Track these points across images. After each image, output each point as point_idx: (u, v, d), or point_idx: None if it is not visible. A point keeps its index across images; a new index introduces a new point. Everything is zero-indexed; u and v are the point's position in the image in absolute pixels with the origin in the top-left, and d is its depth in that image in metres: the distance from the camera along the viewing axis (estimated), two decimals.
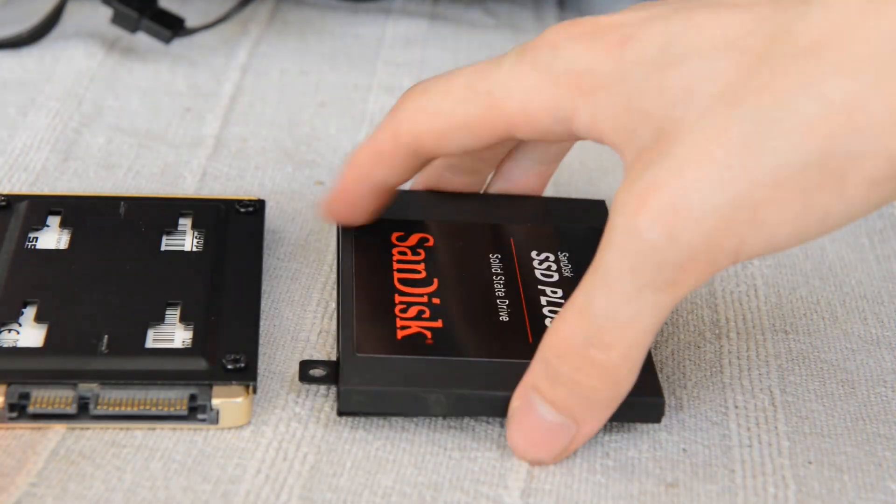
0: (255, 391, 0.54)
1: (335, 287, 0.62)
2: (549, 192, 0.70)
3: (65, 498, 0.50)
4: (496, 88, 0.54)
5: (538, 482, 0.52)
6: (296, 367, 0.57)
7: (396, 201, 0.62)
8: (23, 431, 0.53)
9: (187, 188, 0.69)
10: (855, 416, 0.57)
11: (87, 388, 0.53)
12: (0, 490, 0.50)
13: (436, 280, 0.59)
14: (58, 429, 0.53)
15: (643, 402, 0.53)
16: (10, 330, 0.56)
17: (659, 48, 0.50)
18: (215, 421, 0.54)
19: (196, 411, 0.54)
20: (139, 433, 0.53)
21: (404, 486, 0.52)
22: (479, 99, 0.54)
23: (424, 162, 0.57)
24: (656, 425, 0.55)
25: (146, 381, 0.53)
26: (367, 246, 0.61)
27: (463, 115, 0.55)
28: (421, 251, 0.61)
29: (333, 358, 0.58)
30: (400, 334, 0.56)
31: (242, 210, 0.64)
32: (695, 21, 0.49)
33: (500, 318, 0.57)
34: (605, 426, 0.55)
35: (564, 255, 0.61)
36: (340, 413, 0.54)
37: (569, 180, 0.72)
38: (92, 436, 0.53)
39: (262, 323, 0.60)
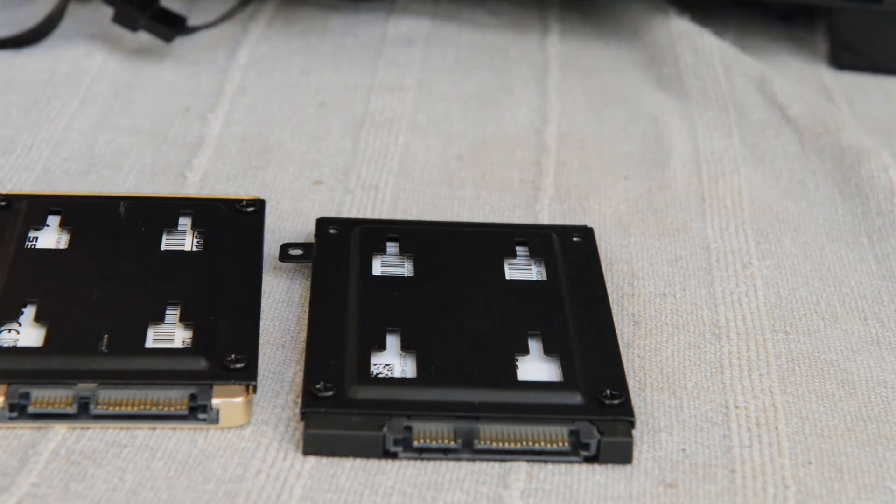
0: (255, 391, 0.54)
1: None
2: (549, 191, 0.70)
3: (66, 498, 0.50)
4: None
5: (538, 482, 0.52)
6: (296, 368, 0.57)
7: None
8: (24, 431, 0.53)
9: (187, 188, 0.69)
10: (855, 416, 0.57)
11: (87, 387, 0.53)
12: (1, 490, 0.50)
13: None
14: (59, 429, 0.53)
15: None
16: (10, 330, 0.56)
17: None
18: (215, 421, 0.54)
19: (196, 411, 0.54)
20: (140, 433, 0.53)
21: (405, 486, 0.52)
22: None
23: None
24: (657, 425, 0.55)
25: (146, 381, 0.53)
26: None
27: None
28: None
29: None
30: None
31: (242, 210, 0.64)
32: None
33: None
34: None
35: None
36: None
37: (569, 179, 0.72)
38: (93, 436, 0.53)
39: (262, 323, 0.60)
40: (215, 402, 0.53)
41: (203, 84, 0.79)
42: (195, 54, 0.82)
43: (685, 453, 0.54)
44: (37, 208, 0.63)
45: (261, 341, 0.58)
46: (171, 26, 0.80)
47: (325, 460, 0.53)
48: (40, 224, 0.62)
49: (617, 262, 0.65)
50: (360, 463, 0.53)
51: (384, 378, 0.55)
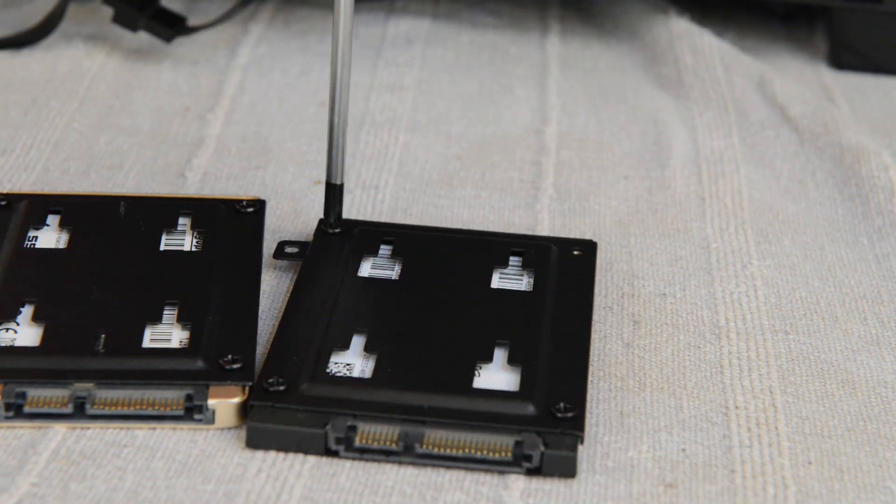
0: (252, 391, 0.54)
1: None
2: (549, 191, 0.70)
3: (66, 498, 0.50)
4: None
5: (538, 482, 0.52)
6: None
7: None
8: (24, 431, 0.53)
9: (187, 188, 0.69)
10: (855, 416, 0.57)
11: (83, 387, 0.53)
12: (1, 490, 0.50)
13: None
14: (59, 428, 0.53)
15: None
16: (7, 329, 0.56)
17: None
18: (211, 421, 0.54)
19: (192, 411, 0.53)
20: (140, 433, 0.53)
21: (404, 486, 0.52)
22: None
23: None
24: (657, 425, 0.55)
25: (142, 381, 0.53)
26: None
27: None
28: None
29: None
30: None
31: (242, 210, 0.64)
32: None
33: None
34: (601, 430, 0.55)
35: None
36: None
37: (569, 179, 0.72)
38: (93, 436, 0.53)
39: (260, 323, 0.60)
40: (211, 402, 0.53)
41: (203, 84, 0.79)
42: (195, 54, 0.82)
43: (685, 453, 0.54)
44: (36, 208, 0.63)
45: (259, 342, 0.58)
46: (171, 26, 0.80)
47: (325, 460, 0.53)
48: (40, 223, 0.62)
49: (617, 262, 0.65)
50: (360, 463, 0.53)
51: (339, 377, 0.55)
